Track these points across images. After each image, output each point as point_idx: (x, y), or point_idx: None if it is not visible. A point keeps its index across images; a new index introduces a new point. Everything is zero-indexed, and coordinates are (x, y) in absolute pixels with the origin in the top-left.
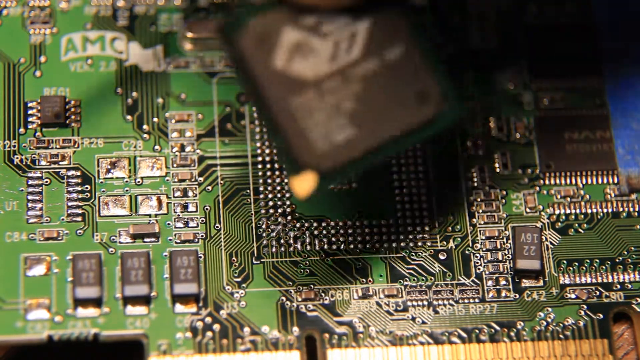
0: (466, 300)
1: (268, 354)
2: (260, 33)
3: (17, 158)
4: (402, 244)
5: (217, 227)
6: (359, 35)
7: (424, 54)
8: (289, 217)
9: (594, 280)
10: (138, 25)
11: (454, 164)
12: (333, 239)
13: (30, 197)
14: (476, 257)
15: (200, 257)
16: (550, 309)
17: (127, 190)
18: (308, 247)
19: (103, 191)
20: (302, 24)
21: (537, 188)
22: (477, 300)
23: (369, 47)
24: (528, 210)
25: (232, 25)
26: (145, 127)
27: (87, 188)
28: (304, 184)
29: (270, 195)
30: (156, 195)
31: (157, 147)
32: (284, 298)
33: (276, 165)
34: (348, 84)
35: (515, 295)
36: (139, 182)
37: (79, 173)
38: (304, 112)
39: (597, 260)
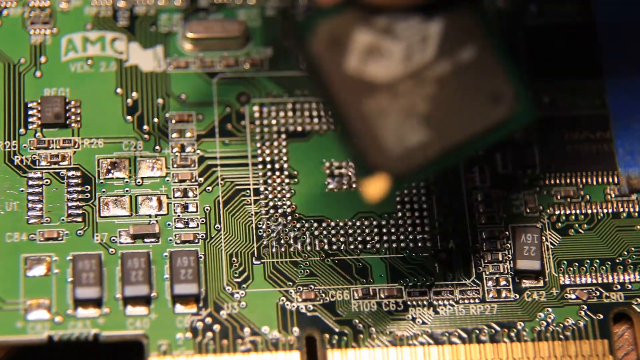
0: (466, 301)
1: (268, 354)
2: (332, 35)
3: (18, 158)
4: (402, 244)
5: (217, 227)
6: (431, 36)
7: (496, 54)
8: (289, 218)
9: (594, 281)
10: (138, 25)
11: (455, 164)
12: (333, 239)
13: (30, 198)
14: (476, 257)
15: (201, 257)
16: (550, 310)
17: (127, 191)
18: (308, 248)
19: (103, 191)
20: (374, 25)
21: (537, 188)
22: (477, 300)
23: (442, 48)
24: (528, 210)
25: (303, 27)
26: (145, 127)
27: (87, 188)
28: (376, 187)
29: (270, 196)
30: (156, 195)
31: (157, 147)
32: (284, 298)
33: (276, 166)
34: (421, 85)
35: (515, 296)
36: (139, 182)
37: (79, 173)
38: (377, 115)
39: (597, 261)
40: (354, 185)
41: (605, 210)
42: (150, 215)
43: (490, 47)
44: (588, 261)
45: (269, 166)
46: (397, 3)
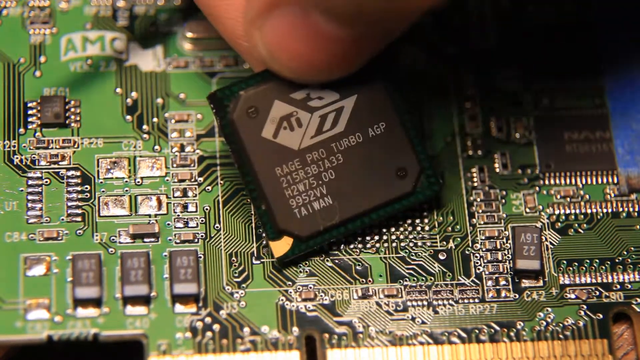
0: (466, 301)
1: (268, 354)
2: (251, 104)
3: (17, 158)
4: (402, 244)
5: (217, 227)
6: (345, 110)
7: (404, 131)
8: None
9: (593, 281)
10: (138, 25)
11: (454, 164)
12: (333, 239)
13: (30, 197)
14: (476, 257)
15: (200, 257)
16: (550, 309)
17: (126, 191)
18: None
19: (103, 191)
20: (292, 98)
21: (537, 188)
22: (476, 300)
23: (353, 123)
24: (528, 210)
25: (225, 94)
26: (145, 127)
27: (86, 188)
28: (281, 247)
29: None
30: (156, 195)
31: (156, 147)
32: (283, 298)
33: None
34: (330, 155)
35: (515, 296)
36: (138, 182)
37: (78, 173)
38: (287, 181)
39: (597, 261)
40: None
41: (604, 210)
42: (149, 215)
43: (399, 124)
44: (587, 261)
45: None
46: (316, 78)
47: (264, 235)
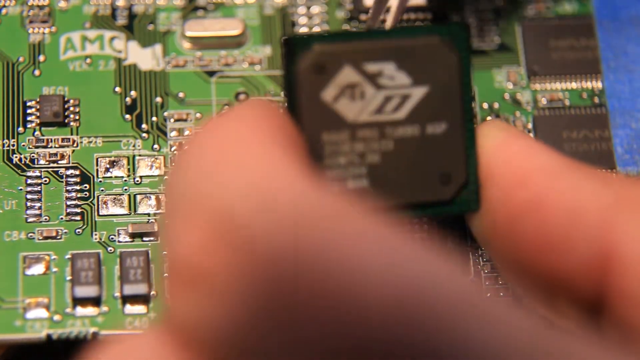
0: None
1: None
2: (320, 61)
3: (16, 157)
4: None
5: None
6: (411, 98)
7: (463, 139)
8: None
9: None
10: (137, 24)
11: None
12: None
13: (29, 196)
14: (475, 256)
15: None
16: None
17: (126, 190)
18: None
19: (102, 190)
20: (364, 68)
21: None
22: None
23: (416, 114)
24: None
25: (299, 43)
26: (144, 126)
27: (86, 187)
28: None
29: None
30: (155, 194)
31: (156, 146)
32: None
33: None
34: (382, 139)
35: (514, 295)
36: (138, 181)
37: (77, 172)
38: (331, 149)
39: None
40: None
41: None
42: (149, 214)
43: (461, 131)
44: None
45: None
46: None
47: None
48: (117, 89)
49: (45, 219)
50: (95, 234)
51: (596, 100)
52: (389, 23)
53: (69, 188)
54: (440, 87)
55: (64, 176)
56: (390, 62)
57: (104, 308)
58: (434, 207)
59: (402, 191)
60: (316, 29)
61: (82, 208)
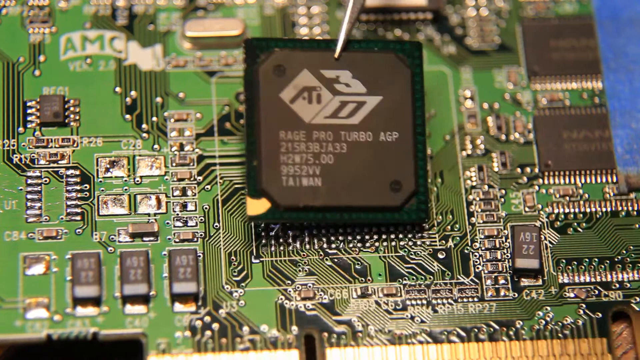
0: (465, 300)
1: (267, 353)
2: (281, 63)
3: (17, 157)
4: (401, 243)
5: (216, 226)
6: (366, 106)
7: (414, 149)
8: None
9: (592, 279)
10: (137, 24)
11: (453, 163)
12: (332, 238)
13: (29, 196)
14: (475, 256)
15: (199, 256)
16: (549, 308)
17: (126, 190)
18: (307, 246)
19: (102, 190)
20: (322, 73)
21: (536, 187)
22: (476, 299)
23: (369, 121)
24: (527, 209)
25: (261, 45)
26: (144, 126)
27: (86, 187)
28: (257, 207)
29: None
30: (155, 194)
31: (156, 146)
32: (283, 297)
33: None
34: (336, 142)
35: (514, 294)
36: (138, 181)
37: (78, 172)
38: (286, 147)
39: (596, 260)
40: None
41: (603, 209)
42: (149, 214)
43: (412, 141)
44: (587, 260)
45: None
46: None
47: (244, 191)
48: (117, 89)
49: (46, 219)
50: (96, 234)
51: (596, 100)
52: (339, 43)
53: (69, 188)
54: (393, 98)
55: (64, 176)
56: (347, 71)
57: (104, 308)
58: (383, 212)
59: (354, 194)
60: (316, 29)
61: (82, 208)
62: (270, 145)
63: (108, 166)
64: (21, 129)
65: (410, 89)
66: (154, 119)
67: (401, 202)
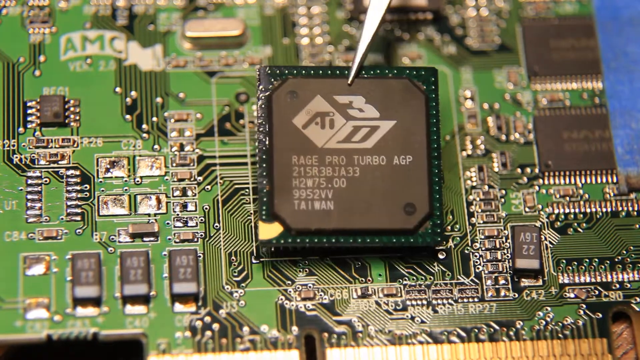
0: (465, 300)
1: (267, 353)
2: (294, 90)
3: (17, 157)
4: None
5: (217, 226)
6: (379, 131)
7: (428, 172)
8: None
9: (593, 280)
10: (137, 24)
11: (453, 163)
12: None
13: (29, 197)
14: (475, 256)
15: (200, 256)
16: (549, 309)
17: (126, 190)
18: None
19: (102, 190)
20: (335, 99)
21: (536, 187)
22: (476, 299)
23: (383, 145)
24: (527, 209)
25: (275, 73)
26: (144, 126)
27: (86, 187)
28: (269, 231)
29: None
30: (155, 194)
31: (156, 146)
32: (283, 297)
33: None
34: (349, 166)
35: (514, 295)
36: (138, 181)
37: (78, 172)
38: (299, 172)
39: (596, 260)
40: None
41: (604, 210)
42: (149, 214)
43: (426, 164)
44: (587, 260)
45: None
46: None
47: (257, 214)
48: (118, 89)
49: (46, 219)
50: (96, 234)
51: (596, 100)
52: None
53: (70, 188)
54: (407, 122)
55: (65, 176)
56: (360, 96)
57: (104, 308)
58: (397, 235)
59: (366, 217)
60: (316, 30)
61: (82, 208)
62: (282, 170)
63: (108, 166)
64: (21, 129)
65: (424, 113)
66: (154, 119)
67: (415, 225)
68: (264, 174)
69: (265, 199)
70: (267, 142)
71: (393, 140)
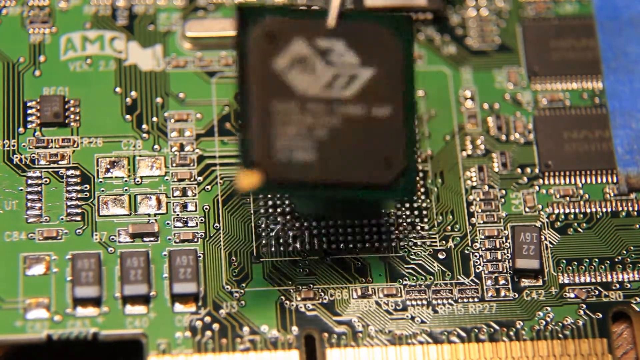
0: (465, 300)
1: (267, 353)
2: (272, 32)
3: (17, 157)
4: (402, 244)
5: (217, 226)
6: (359, 79)
7: (406, 124)
8: (288, 217)
9: (593, 280)
10: (137, 24)
11: (453, 163)
12: (332, 239)
13: (29, 197)
14: (475, 256)
15: (200, 256)
16: (549, 309)
17: (126, 190)
18: (307, 247)
19: (102, 190)
20: (315, 43)
21: (537, 187)
22: (476, 299)
23: (362, 94)
24: (527, 209)
25: (252, 11)
26: (144, 126)
27: (86, 187)
28: (248, 181)
29: (269, 195)
30: (155, 194)
31: (156, 146)
32: (283, 297)
33: None
34: (330, 115)
35: (514, 295)
36: (138, 181)
37: (78, 172)
38: (280, 119)
39: (597, 260)
40: None
41: (604, 210)
42: (149, 215)
43: (403, 116)
44: (587, 260)
45: None
46: None
47: (238, 162)
48: (118, 89)
49: (46, 219)
50: (96, 235)
51: (596, 100)
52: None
53: (70, 188)
54: (385, 71)
55: (65, 176)
56: (341, 41)
57: (104, 308)
58: (373, 190)
59: (346, 170)
60: None
61: (82, 208)
62: (262, 117)
63: (108, 166)
64: (21, 130)
65: (401, 63)
66: (154, 119)
67: (389, 180)
68: (244, 121)
69: (245, 147)
70: (244, 87)
71: (372, 90)
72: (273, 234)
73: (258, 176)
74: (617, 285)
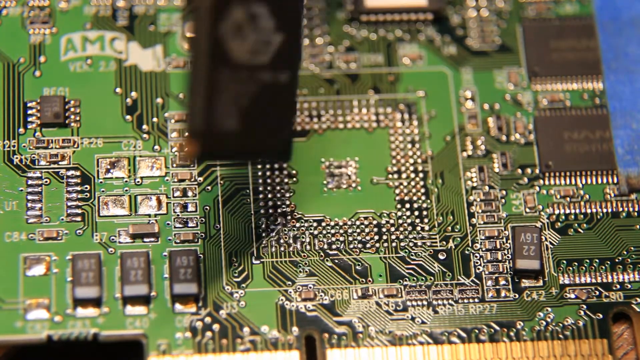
0: (466, 300)
1: (267, 353)
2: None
3: (17, 158)
4: (402, 244)
5: (217, 227)
6: (272, 45)
7: (292, 90)
8: (288, 217)
9: (593, 280)
10: (137, 25)
11: (454, 164)
12: (333, 239)
13: (29, 197)
14: (476, 257)
15: (200, 257)
16: (549, 309)
17: (126, 190)
18: (308, 247)
19: (103, 191)
20: (247, 8)
21: (537, 188)
22: (476, 300)
23: (273, 60)
24: (528, 210)
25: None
26: (144, 127)
27: (86, 188)
28: (189, 147)
29: (269, 195)
30: (156, 195)
31: (156, 147)
32: (283, 298)
33: (276, 165)
34: (250, 82)
35: (514, 295)
36: (138, 182)
37: (78, 173)
38: (218, 87)
39: (597, 260)
40: (353, 185)
41: (604, 210)
42: (149, 215)
43: (292, 82)
44: (587, 261)
45: (268, 165)
46: None
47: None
48: (118, 89)
49: (46, 219)
50: (96, 235)
51: (597, 101)
52: None
53: (70, 189)
54: (288, 36)
55: (65, 177)
56: (266, 6)
57: (105, 309)
58: (263, 154)
59: (260, 140)
60: (317, 31)
61: (82, 209)
62: (202, 85)
63: (108, 167)
64: (22, 130)
65: (297, 30)
66: (155, 119)
67: (273, 146)
68: (189, 89)
69: (187, 115)
70: (190, 55)
71: (280, 56)
72: (273, 234)
73: (195, 143)
74: (618, 286)
